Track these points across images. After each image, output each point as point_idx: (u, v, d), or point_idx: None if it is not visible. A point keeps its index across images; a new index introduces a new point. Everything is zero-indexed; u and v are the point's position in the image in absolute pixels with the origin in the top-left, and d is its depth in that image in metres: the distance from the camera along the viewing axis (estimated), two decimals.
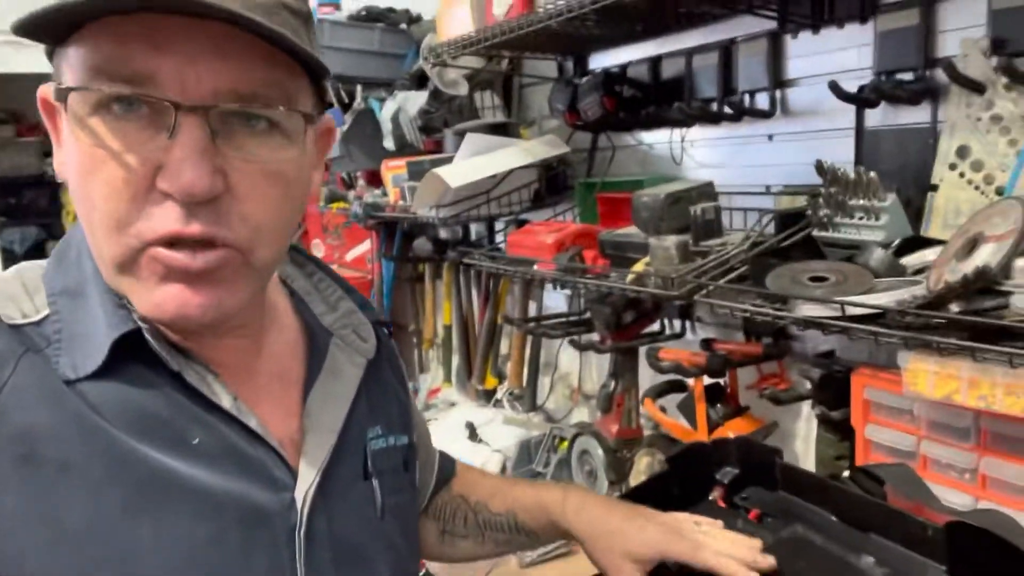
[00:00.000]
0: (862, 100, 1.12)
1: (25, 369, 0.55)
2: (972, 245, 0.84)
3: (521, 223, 1.90)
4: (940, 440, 0.92)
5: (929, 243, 1.00)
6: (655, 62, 1.49)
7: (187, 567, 0.56)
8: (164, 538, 0.55)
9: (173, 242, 0.54)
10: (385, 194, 2.08)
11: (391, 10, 2.20)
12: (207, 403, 0.60)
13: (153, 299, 0.55)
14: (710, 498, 0.92)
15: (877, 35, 1.11)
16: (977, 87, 0.96)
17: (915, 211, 1.05)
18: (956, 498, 0.91)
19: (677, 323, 1.54)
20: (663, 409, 1.45)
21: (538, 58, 1.74)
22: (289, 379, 0.69)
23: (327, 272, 0.78)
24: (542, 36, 1.41)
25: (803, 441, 1.33)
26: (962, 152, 0.98)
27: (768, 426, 1.29)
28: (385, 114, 2.04)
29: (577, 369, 1.91)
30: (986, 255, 0.79)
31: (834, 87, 1.09)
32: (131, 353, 0.58)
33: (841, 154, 1.18)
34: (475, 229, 2.21)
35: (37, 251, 5.52)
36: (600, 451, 1.51)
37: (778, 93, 1.28)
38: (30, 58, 4.46)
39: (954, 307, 0.79)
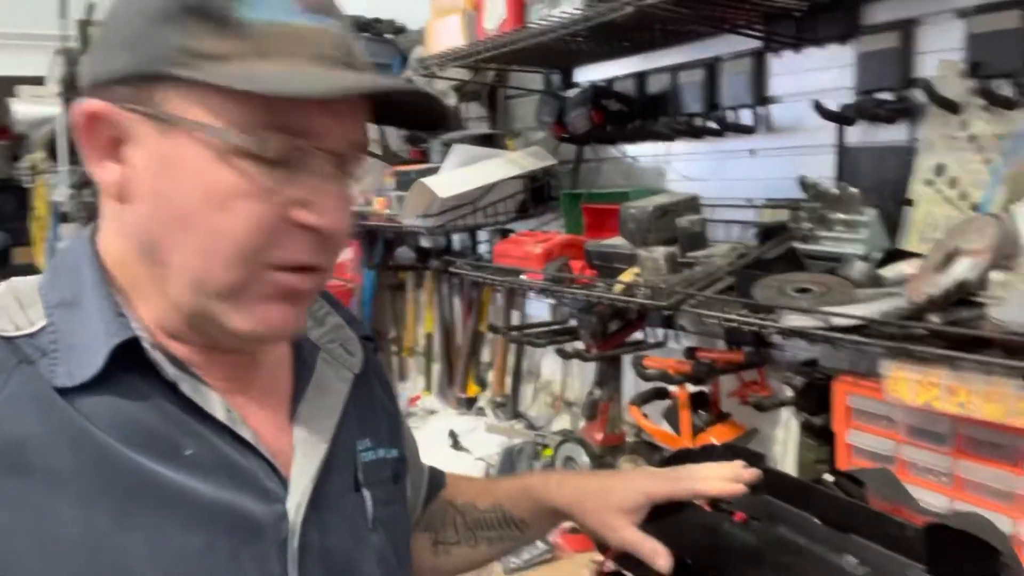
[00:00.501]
0: (843, 118, 1.16)
1: (18, 381, 0.56)
2: (949, 259, 0.89)
3: (506, 233, 1.92)
4: (918, 444, 0.96)
5: (906, 255, 1.05)
6: (641, 77, 1.53)
7: None
8: (156, 548, 0.55)
9: (295, 269, 0.60)
10: (370, 203, 2.09)
11: (377, 20, 2.22)
12: (200, 414, 0.61)
13: (259, 316, 0.60)
14: (696, 501, 0.95)
15: (858, 56, 1.16)
16: (954, 107, 1.00)
17: (892, 225, 1.09)
18: (934, 500, 0.95)
19: (660, 332, 1.58)
20: (646, 416, 1.48)
21: (525, 71, 1.77)
22: (279, 392, 0.69)
23: None
24: (531, 50, 1.44)
25: (782, 446, 1.37)
26: (939, 169, 1.03)
27: (749, 432, 1.33)
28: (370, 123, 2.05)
29: (559, 377, 1.94)
30: (964, 269, 0.83)
31: (817, 106, 1.13)
32: (126, 363, 0.58)
33: (821, 170, 1.22)
34: (458, 238, 2.23)
35: (3, 257, 5.41)
36: (585, 457, 1.53)
37: (761, 110, 1.33)
38: (3, 60, 4.39)
39: (934, 318, 0.83)
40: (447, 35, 1.60)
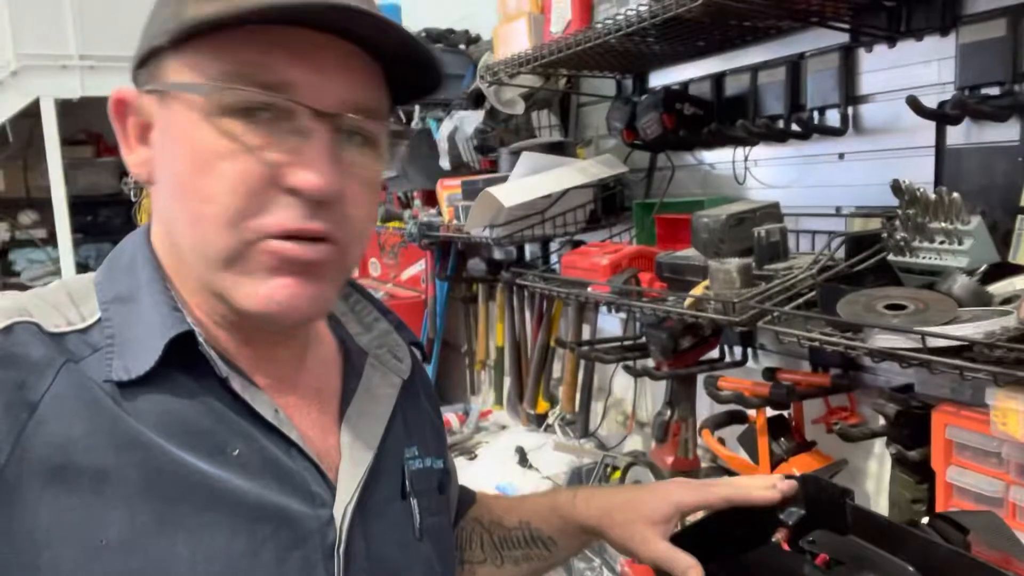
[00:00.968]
0: (943, 116, 1.04)
1: (64, 379, 0.55)
2: None
3: (576, 244, 1.86)
4: None
5: (1017, 270, 0.92)
6: (718, 79, 1.44)
7: None
8: (200, 551, 0.54)
9: (289, 236, 0.56)
10: (440, 214, 2.07)
11: (450, 31, 2.21)
12: (249, 413, 0.60)
13: (263, 291, 0.57)
14: (773, 540, 0.86)
15: (959, 48, 1.04)
16: None
17: (1001, 235, 0.97)
18: None
19: (738, 350, 1.47)
20: (722, 441, 1.38)
21: (596, 76, 1.71)
22: (327, 396, 0.68)
23: (363, 294, 0.79)
24: (600, 53, 1.38)
25: (874, 481, 1.24)
26: None
27: (836, 463, 1.21)
28: (442, 133, 2.03)
29: (632, 395, 1.85)
30: None
31: (913, 103, 1.02)
32: (179, 359, 0.58)
33: (919, 174, 1.11)
34: (529, 249, 2.18)
35: None
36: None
37: (850, 110, 1.22)
38: (107, 82, 4.69)
39: None
40: (514, 40, 1.56)
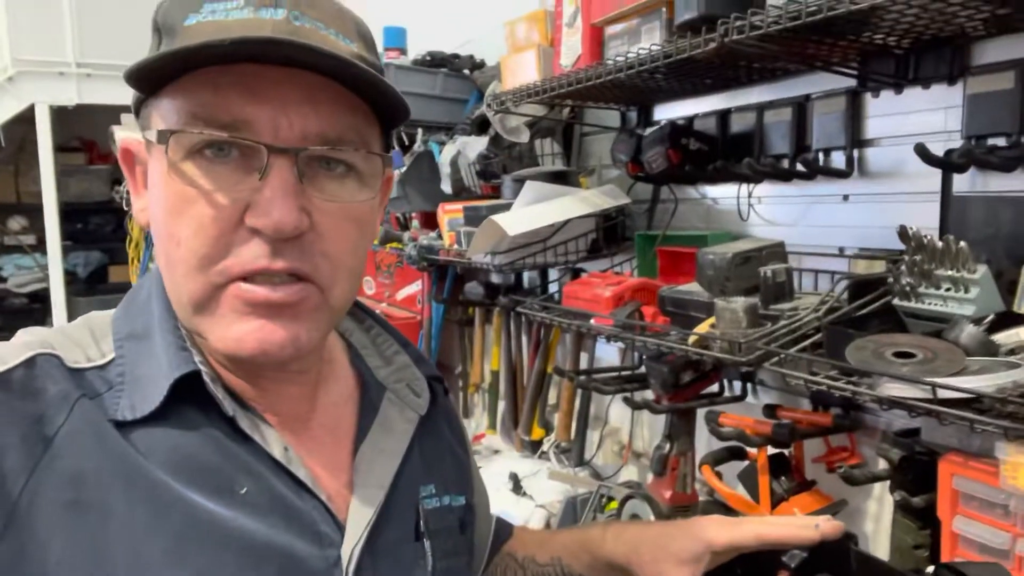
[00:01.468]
0: (950, 164, 1.06)
1: (80, 414, 0.55)
2: None
3: (576, 272, 1.86)
4: None
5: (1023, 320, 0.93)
6: (723, 115, 1.45)
7: None
8: None
9: (255, 278, 0.56)
10: (440, 237, 2.07)
11: (455, 56, 2.22)
12: (257, 451, 0.59)
13: (233, 334, 0.57)
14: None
15: (967, 97, 1.06)
16: None
17: (1007, 284, 0.98)
18: None
19: (737, 385, 1.48)
20: (720, 476, 1.38)
21: (601, 108, 1.72)
22: (340, 432, 0.68)
23: (384, 326, 0.78)
24: (608, 87, 1.39)
25: (873, 522, 1.24)
26: None
27: (836, 504, 1.21)
28: (444, 157, 2.04)
29: (628, 425, 1.85)
30: None
31: (921, 150, 1.04)
32: (187, 397, 0.58)
33: (923, 219, 1.12)
34: (528, 275, 2.18)
35: (99, 275, 5.71)
36: (652, 517, 1.43)
37: (855, 152, 1.23)
38: (103, 90, 4.67)
39: None
40: (522, 71, 1.57)
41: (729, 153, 1.43)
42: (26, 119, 4.67)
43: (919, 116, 1.14)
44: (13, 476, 0.52)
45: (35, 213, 5.06)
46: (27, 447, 0.53)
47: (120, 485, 0.54)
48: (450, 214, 1.95)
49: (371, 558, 0.62)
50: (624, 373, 1.62)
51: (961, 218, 1.08)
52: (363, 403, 0.70)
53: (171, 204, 0.56)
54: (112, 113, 4.04)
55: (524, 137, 1.81)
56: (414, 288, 2.75)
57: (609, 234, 1.73)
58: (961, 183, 1.09)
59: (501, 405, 2.31)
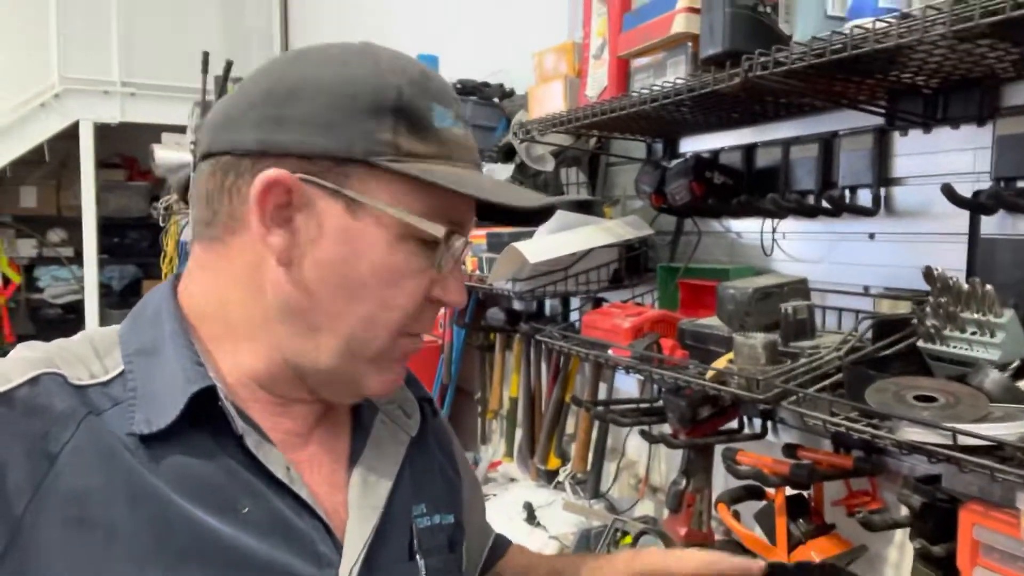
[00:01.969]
0: (978, 206, 1.04)
1: (85, 432, 0.56)
2: None
3: (598, 302, 1.86)
4: None
5: None
6: (749, 150, 1.45)
7: None
8: None
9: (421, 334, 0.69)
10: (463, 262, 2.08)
11: (485, 84, 2.24)
12: (261, 470, 0.61)
13: (388, 377, 0.68)
14: None
15: (996, 138, 1.04)
16: None
17: None
18: None
19: (757, 422, 1.45)
20: (737, 515, 1.35)
21: (627, 139, 1.73)
22: (338, 452, 0.69)
23: None
24: (633, 119, 1.40)
25: (894, 570, 1.21)
26: None
27: (856, 549, 1.18)
28: None
29: (645, 458, 1.82)
30: None
31: (948, 191, 1.02)
32: (197, 414, 0.59)
33: (950, 261, 1.10)
34: (550, 303, 2.18)
35: (134, 289, 5.83)
36: None
37: (882, 191, 1.21)
38: (146, 108, 4.81)
39: None
40: (549, 101, 1.58)
41: (754, 188, 1.42)
42: (70, 135, 4.82)
43: (948, 156, 1.12)
44: (17, 494, 0.53)
45: (74, 226, 5.21)
46: (31, 465, 0.54)
47: (125, 502, 0.55)
48: (473, 239, 1.96)
49: None
50: (642, 406, 1.61)
51: (989, 261, 1.06)
52: (356, 424, 0.72)
53: (389, 273, 0.63)
54: (153, 131, 4.16)
55: (549, 166, 1.82)
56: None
57: (631, 265, 1.73)
58: (989, 225, 1.07)
59: (518, 433, 2.30)
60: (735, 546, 1.37)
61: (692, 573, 0.78)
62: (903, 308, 1.11)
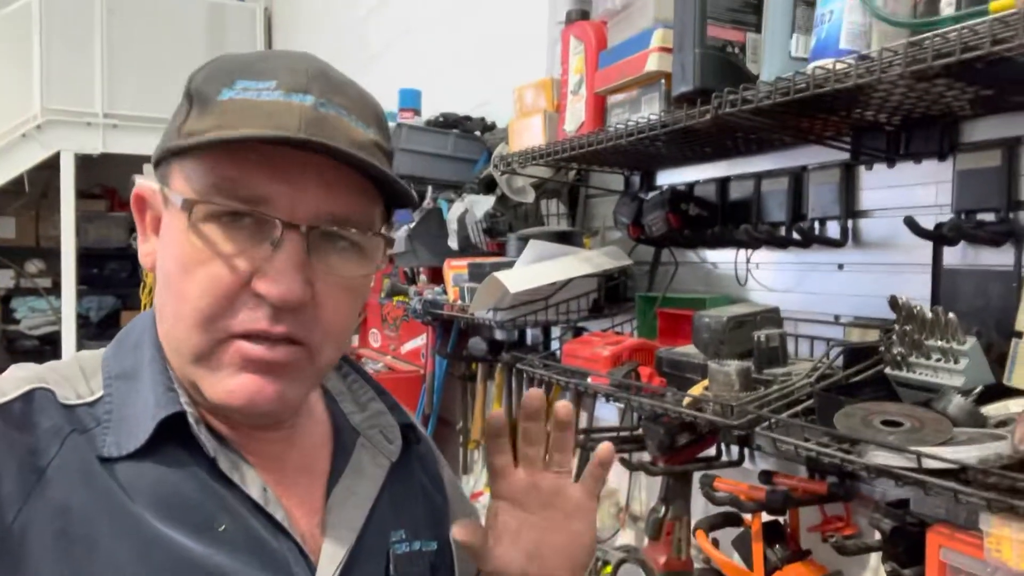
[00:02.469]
0: (940, 237, 1.08)
1: (70, 449, 0.58)
2: None
3: (579, 331, 1.88)
4: None
5: (1012, 393, 0.94)
6: (723, 183, 1.49)
7: None
8: None
9: (255, 336, 0.60)
10: (445, 292, 2.10)
11: (467, 118, 2.29)
12: (237, 491, 0.62)
13: (228, 386, 0.60)
14: None
15: (956, 173, 1.09)
16: None
17: (996, 357, 0.99)
18: None
19: (735, 449, 1.47)
20: (716, 543, 1.36)
21: (605, 171, 1.77)
22: (315, 474, 0.70)
23: (360, 373, 0.81)
24: (611, 152, 1.44)
25: None
26: None
27: (831, 575, 1.19)
28: (452, 215, 2.08)
29: (625, 487, 1.83)
30: None
31: (911, 223, 1.06)
32: (171, 436, 0.60)
33: (916, 290, 1.14)
34: (531, 333, 2.20)
35: (112, 320, 5.77)
36: None
37: (850, 223, 1.26)
38: (128, 140, 4.81)
39: None
40: (529, 135, 1.62)
41: (728, 219, 1.46)
42: (50, 166, 4.81)
43: (911, 190, 1.17)
44: (8, 503, 0.55)
45: (53, 257, 5.17)
46: (23, 476, 0.55)
47: (105, 520, 0.56)
48: (455, 269, 1.98)
49: None
50: (622, 434, 1.62)
51: (952, 290, 1.10)
52: (336, 447, 0.72)
53: (184, 261, 0.59)
54: (135, 162, 4.16)
55: (529, 197, 1.85)
56: (419, 342, 2.77)
57: (611, 294, 1.75)
58: (952, 256, 1.11)
59: None
60: (714, 573, 1.38)
61: None
62: (872, 336, 1.15)
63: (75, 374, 0.63)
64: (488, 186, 2.03)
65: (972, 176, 1.06)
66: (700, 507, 1.46)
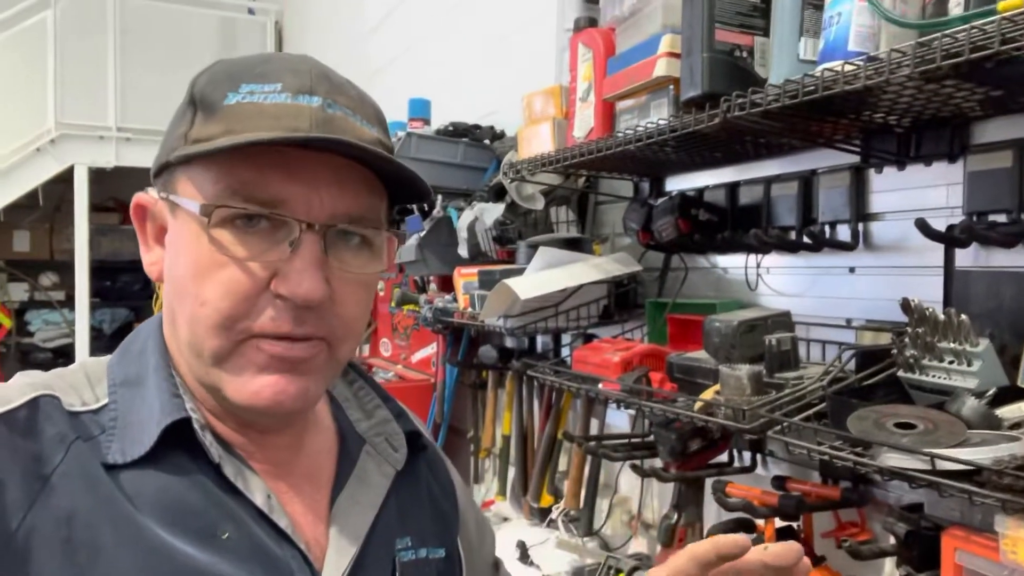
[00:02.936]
0: (952, 239, 1.08)
1: (74, 456, 0.58)
2: None
3: (589, 337, 1.88)
4: None
5: None
6: (732, 188, 1.49)
7: None
8: None
9: (277, 336, 0.60)
10: (455, 300, 2.10)
11: (476, 126, 2.30)
12: (241, 498, 0.62)
13: (251, 387, 0.61)
14: None
15: (967, 175, 1.08)
16: None
17: (1010, 359, 0.98)
18: None
19: (747, 455, 1.46)
20: None
21: (615, 178, 1.77)
22: (320, 481, 0.70)
23: (367, 380, 0.81)
24: (620, 158, 1.44)
25: None
26: None
27: None
28: (462, 223, 2.09)
29: (638, 494, 1.83)
30: None
31: (922, 225, 1.06)
32: (176, 443, 0.61)
33: (928, 293, 1.13)
34: (542, 340, 2.20)
35: (125, 332, 5.81)
36: None
37: (861, 226, 1.25)
38: (141, 153, 4.85)
39: None
40: (538, 142, 1.63)
41: (738, 224, 1.46)
42: (64, 179, 4.85)
43: (922, 192, 1.16)
44: (12, 510, 0.55)
45: (66, 270, 5.21)
46: (27, 484, 0.56)
47: (108, 528, 0.56)
48: (465, 277, 1.99)
49: None
50: (634, 440, 1.62)
51: (964, 292, 1.09)
52: (342, 454, 0.72)
53: (200, 266, 0.59)
54: (147, 176, 4.21)
55: (539, 205, 1.86)
56: (429, 351, 2.77)
57: (621, 300, 1.75)
58: (964, 258, 1.10)
59: (511, 471, 2.29)
60: None
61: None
62: (884, 339, 1.14)
63: (80, 381, 0.64)
64: (498, 194, 2.04)
65: (983, 177, 1.06)
66: (713, 513, 1.46)
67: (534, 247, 1.75)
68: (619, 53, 1.37)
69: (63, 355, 5.55)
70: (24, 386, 0.60)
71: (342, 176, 0.61)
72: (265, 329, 0.59)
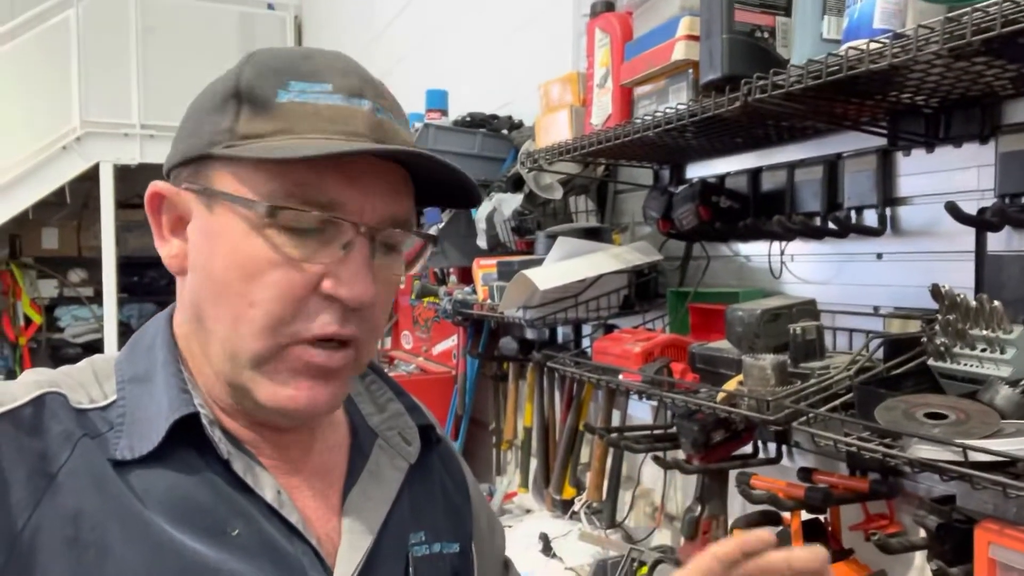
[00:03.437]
0: (983, 223, 1.04)
1: (80, 454, 0.58)
2: None
3: (609, 328, 1.86)
4: None
5: None
6: (755, 174, 1.46)
7: None
8: None
9: (320, 341, 0.60)
10: (475, 292, 2.09)
11: (494, 116, 2.28)
12: (250, 494, 0.61)
13: (287, 392, 0.61)
14: None
15: (999, 156, 1.04)
16: None
17: None
18: None
19: (772, 447, 1.44)
20: None
21: (634, 166, 1.74)
22: (332, 476, 0.69)
23: (379, 374, 0.80)
24: (638, 145, 1.42)
25: None
26: None
27: (875, 574, 1.16)
28: (480, 214, 2.08)
29: (661, 486, 1.80)
30: None
31: (952, 208, 1.02)
32: (185, 439, 0.60)
33: (958, 279, 1.09)
34: (562, 331, 2.18)
35: None
36: None
37: (888, 211, 1.22)
38: (165, 149, 4.91)
39: None
40: (555, 130, 1.61)
41: (760, 211, 1.43)
42: (90, 177, 4.92)
43: (951, 175, 1.13)
44: (18, 510, 0.54)
45: (94, 266, 5.29)
46: (32, 483, 0.55)
47: (116, 525, 0.56)
48: (484, 269, 1.97)
49: None
50: (656, 432, 1.60)
51: (996, 277, 1.05)
52: (354, 449, 0.71)
53: (251, 265, 0.59)
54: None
55: (557, 194, 1.84)
56: (450, 343, 2.77)
57: (641, 290, 1.73)
58: (996, 242, 1.07)
59: (533, 463, 2.28)
60: None
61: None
62: (913, 327, 1.11)
63: (88, 378, 0.63)
64: (516, 184, 2.02)
65: (1016, 158, 1.02)
66: (737, 506, 1.43)
67: (553, 237, 1.73)
68: (637, 37, 1.34)
69: (93, 350, 5.62)
70: (30, 384, 0.60)
71: (391, 180, 0.62)
72: (313, 332, 0.60)
